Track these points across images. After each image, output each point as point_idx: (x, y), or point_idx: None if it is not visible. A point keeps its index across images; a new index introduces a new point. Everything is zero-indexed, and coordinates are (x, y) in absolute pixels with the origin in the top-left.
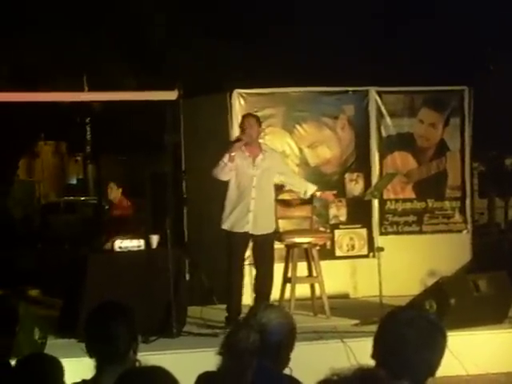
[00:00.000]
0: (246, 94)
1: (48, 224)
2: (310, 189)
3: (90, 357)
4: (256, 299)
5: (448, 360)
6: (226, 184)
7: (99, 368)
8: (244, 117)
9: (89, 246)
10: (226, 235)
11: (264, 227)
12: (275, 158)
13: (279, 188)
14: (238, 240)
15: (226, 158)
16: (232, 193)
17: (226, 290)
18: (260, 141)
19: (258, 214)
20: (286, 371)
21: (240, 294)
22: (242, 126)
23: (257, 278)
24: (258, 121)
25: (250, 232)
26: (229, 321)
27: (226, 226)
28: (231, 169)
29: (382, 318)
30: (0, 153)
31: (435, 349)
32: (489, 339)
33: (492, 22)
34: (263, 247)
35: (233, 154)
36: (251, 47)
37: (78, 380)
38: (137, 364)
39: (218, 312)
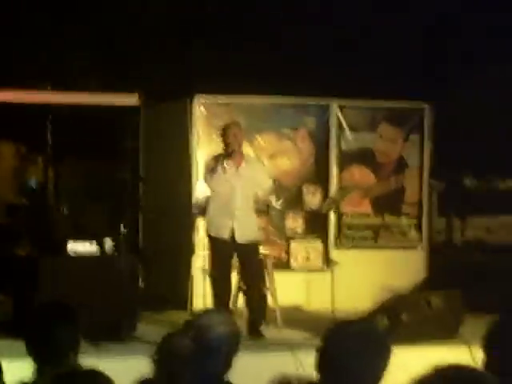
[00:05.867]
0: (206, 101)
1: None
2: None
3: (30, 358)
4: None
5: (397, 375)
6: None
7: (39, 370)
8: (226, 127)
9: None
10: (209, 242)
11: (248, 235)
12: (259, 168)
13: None
14: (221, 246)
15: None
16: (215, 201)
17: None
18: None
19: (241, 223)
20: None
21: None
22: (224, 138)
23: (245, 291)
24: (241, 128)
25: (235, 239)
26: None
27: (210, 232)
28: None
29: (327, 330)
30: None
31: (380, 361)
32: (440, 355)
33: (455, 38)
34: (248, 256)
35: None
36: (212, 54)
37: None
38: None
39: (172, 318)
